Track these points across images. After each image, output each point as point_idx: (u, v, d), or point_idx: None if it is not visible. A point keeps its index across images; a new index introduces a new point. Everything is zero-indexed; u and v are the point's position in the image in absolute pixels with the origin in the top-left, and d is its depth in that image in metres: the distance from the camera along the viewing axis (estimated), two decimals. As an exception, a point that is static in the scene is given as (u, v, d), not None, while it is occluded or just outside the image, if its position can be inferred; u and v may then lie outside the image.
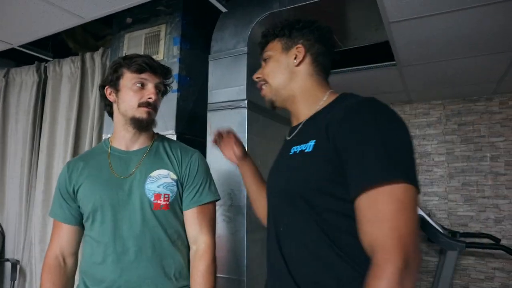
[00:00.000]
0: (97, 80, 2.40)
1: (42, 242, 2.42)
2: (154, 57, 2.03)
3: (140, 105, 1.19)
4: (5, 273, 2.66)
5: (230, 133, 1.30)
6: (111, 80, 1.24)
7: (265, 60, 1.08)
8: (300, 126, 1.01)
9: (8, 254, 2.67)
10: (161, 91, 1.27)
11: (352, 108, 0.87)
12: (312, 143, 0.90)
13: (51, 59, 2.73)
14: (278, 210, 1.00)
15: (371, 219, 0.75)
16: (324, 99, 1.01)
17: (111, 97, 1.25)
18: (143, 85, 1.21)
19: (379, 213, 0.74)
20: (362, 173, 0.77)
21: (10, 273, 2.53)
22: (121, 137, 1.25)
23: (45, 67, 2.71)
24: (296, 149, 0.95)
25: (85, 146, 2.38)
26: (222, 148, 1.31)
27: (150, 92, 1.20)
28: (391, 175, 0.74)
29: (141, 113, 1.19)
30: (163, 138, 1.33)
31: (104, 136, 2.14)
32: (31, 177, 2.64)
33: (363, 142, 0.79)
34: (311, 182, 0.88)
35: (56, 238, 1.26)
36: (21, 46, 2.40)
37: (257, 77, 1.09)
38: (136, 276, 1.13)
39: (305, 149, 0.92)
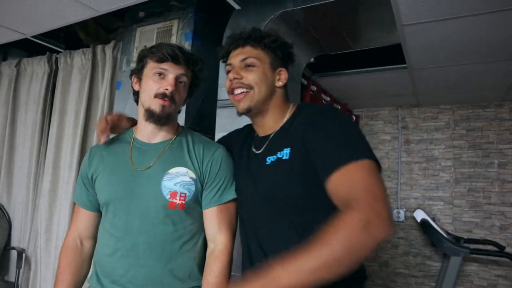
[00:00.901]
0: (108, 73, 2.41)
1: (48, 232, 2.45)
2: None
3: (156, 95, 1.15)
4: (10, 261, 2.68)
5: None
6: (137, 69, 1.23)
7: (247, 64, 1.09)
8: (270, 138, 1.11)
9: (14, 242, 2.69)
10: (185, 83, 1.20)
11: (313, 113, 1.02)
12: (287, 150, 1.01)
13: (62, 51, 2.75)
14: (257, 214, 1.09)
15: (346, 186, 0.85)
16: (289, 111, 1.13)
17: (136, 86, 1.24)
18: (163, 75, 1.16)
19: (352, 180, 0.85)
20: (332, 158, 0.90)
21: (16, 262, 2.56)
22: (143, 128, 1.23)
23: (57, 58, 2.73)
24: (272, 158, 1.04)
25: (93, 139, 2.40)
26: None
27: (168, 83, 1.15)
28: (356, 155, 0.87)
29: (155, 105, 1.15)
30: (187, 132, 1.28)
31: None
32: (39, 167, 2.66)
33: (328, 136, 0.94)
34: (295, 184, 0.98)
35: (74, 221, 1.29)
36: (33, 36, 2.42)
37: (237, 78, 1.09)
38: (143, 273, 1.12)
39: (282, 156, 1.01)
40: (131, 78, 1.26)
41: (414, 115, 3.75)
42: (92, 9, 1.92)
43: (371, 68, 2.75)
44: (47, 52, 2.76)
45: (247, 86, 1.08)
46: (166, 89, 1.15)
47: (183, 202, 1.15)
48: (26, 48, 3.10)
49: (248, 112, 1.10)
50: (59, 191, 2.47)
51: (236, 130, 1.34)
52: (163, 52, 1.15)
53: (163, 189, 1.14)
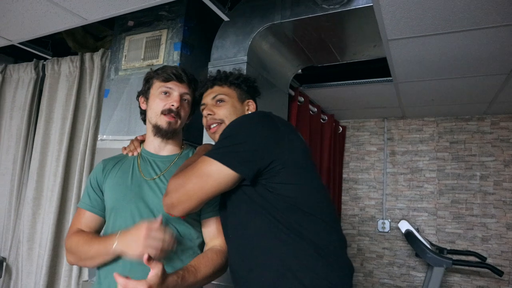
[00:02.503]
0: (96, 81, 2.40)
1: (30, 241, 2.40)
2: (153, 61, 2.07)
3: (162, 112, 1.26)
4: (-10, 270, 2.62)
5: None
6: (144, 90, 1.34)
7: (218, 100, 1.26)
8: None
9: (-5, 251, 2.64)
10: (188, 100, 1.32)
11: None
12: None
13: (50, 58, 2.73)
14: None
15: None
16: None
17: (143, 105, 1.34)
18: (168, 94, 1.28)
19: (190, 163, 1.11)
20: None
21: (-4, 271, 2.51)
22: (151, 142, 1.33)
23: (44, 65, 2.71)
24: None
25: (80, 146, 2.37)
26: None
27: (173, 100, 1.26)
28: (209, 154, 1.05)
29: (162, 121, 1.26)
30: (191, 149, 1.39)
31: (99, 137, 2.14)
32: (23, 174, 2.62)
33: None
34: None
35: (74, 221, 1.31)
36: (20, 43, 2.40)
37: (210, 114, 1.24)
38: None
39: None
40: (138, 99, 1.38)
41: (400, 127, 3.82)
42: (80, 18, 1.92)
43: (357, 80, 2.80)
44: (34, 59, 2.74)
45: (219, 120, 1.23)
46: (172, 105, 1.26)
47: None
48: (12, 54, 3.07)
49: None
50: (43, 199, 2.43)
51: None
52: (168, 73, 1.28)
53: None
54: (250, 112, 1.28)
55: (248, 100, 1.30)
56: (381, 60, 2.39)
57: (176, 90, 1.28)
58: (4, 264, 2.54)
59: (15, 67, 2.83)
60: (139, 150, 1.36)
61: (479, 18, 1.65)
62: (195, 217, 1.25)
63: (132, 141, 1.43)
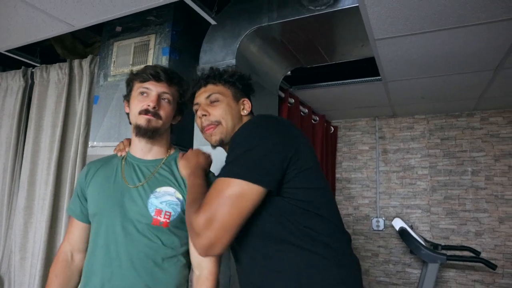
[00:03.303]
0: (85, 87, 2.39)
1: (22, 250, 2.38)
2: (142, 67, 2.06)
3: (140, 112, 1.23)
4: (-17, 281, 2.59)
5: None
6: (126, 93, 1.32)
7: (212, 100, 1.19)
8: None
9: (-13, 262, 2.61)
10: (169, 100, 1.27)
11: (234, 135, 1.09)
12: None
13: (38, 65, 2.71)
14: None
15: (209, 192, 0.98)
16: None
17: (127, 109, 1.32)
18: (146, 94, 1.25)
19: (211, 189, 0.97)
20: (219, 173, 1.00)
21: (-12, 282, 2.48)
22: (135, 145, 1.31)
23: (32, 73, 2.69)
24: None
25: (71, 154, 2.36)
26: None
27: (149, 100, 1.23)
28: (227, 173, 0.96)
29: (141, 120, 1.22)
30: (178, 151, 1.35)
31: (90, 144, 2.13)
32: (14, 183, 2.60)
33: (227, 156, 1.02)
34: None
35: (68, 234, 1.34)
36: (7, 51, 2.39)
37: (205, 114, 1.18)
38: (123, 285, 1.14)
39: None
40: (124, 103, 1.35)
41: (391, 125, 3.84)
42: (68, 24, 1.91)
43: (347, 80, 2.82)
44: (23, 66, 2.72)
45: (215, 122, 1.17)
46: (148, 105, 1.22)
47: (167, 220, 1.19)
48: (0, 62, 3.05)
49: (221, 143, 1.18)
50: (34, 208, 2.41)
51: None
52: (146, 72, 1.25)
53: (149, 206, 1.19)
54: (247, 112, 1.23)
55: (243, 99, 1.24)
56: (370, 60, 2.41)
57: (154, 90, 1.25)
58: (-3, 274, 2.52)
59: (3, 75, 2.81)
60: (127, 149, 1.34)
61: (464, 16, 1.68)
62: (178, 225, 1.21)
63: (122, 141, 1.41)
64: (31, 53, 2.71)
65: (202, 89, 1.22)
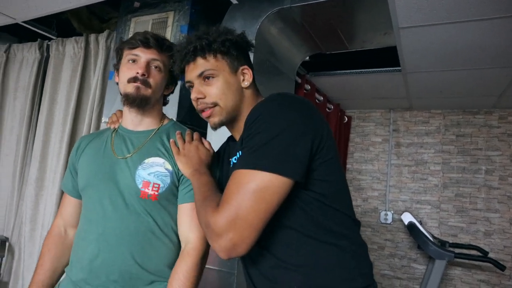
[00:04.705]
0: (100, 62, 2.37)
1: (33, 221, 2.41)
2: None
3: (129, 80, 1.15)
4: (-7, 249, 2.64)
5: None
6: (116, 62, 1.24)
7: (206, 76, 1.02)
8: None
9: (-2, 230, 2.65)
10: (160, 67, 1.19)
11: (251, 113, 0.93)
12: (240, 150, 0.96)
13: (54, 38, 2.70)
14: None
15: (228, 186, 0.86)
16: None
17: (116, 79, 1.24)
18: (135, 61, 1.17)
19: (231, 183, 0.85)
20: (239, 163, 0.88)
21: (-1, 250, 2.52)
22: (126, 117, 1.25)
23: (48, 45, 2.68)
24: (234, 160, 1.01)
25: (84, 128, 2.36)
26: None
27: (138, 67, 1.15)
28: (251, 165, 0.84)
29: (129, 88, 1.15)
30: (173, 124, 1.27)
31: (103, 119, 2.12)
32: (26, 154, 2.62)
33: (246, 142, 0.88)
34: None
35: (61, 208, 1.32)
36: (24, 22, 2.37)
37: (200, 98, 1.03)
38: (112, 260, 1.10)
39: (238, 156, 0.98)
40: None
41: (406, 119, 3.78)
42: (86, -3, 1.89)
43: (365, 70, 2.76)
44: (38, 39, 2.71)
45: (211, 104, 1.02)
46: (137, 73, 1.14)
47: (156, 193, 1.12)
48: (16, 33, 3.04)
49: (221, 125, 1.06)
50: (46, 180, 2.43)
51: (221, 145, 1.29)
52: (136, 39, 1.17)
53: (136, 178, 1.13)
54: (248, 83, 1.06)
55: (242, 67, 1.05)
56: (388, 49, 2.35)
57: (143, 56, 1.16)
58: (7, 244, 2.55)
59: (19, 47, 2.80)
60: (121, 120, 1.28)
61: (493, 8, 1.61)
62: (169, 197, 1.15)
63: (115, 113, 1.34)
64: (48, 25, 2.70)
65: (192, 65, 1.05)
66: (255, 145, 0.85)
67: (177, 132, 1.22)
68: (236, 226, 0.81)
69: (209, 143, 1.20)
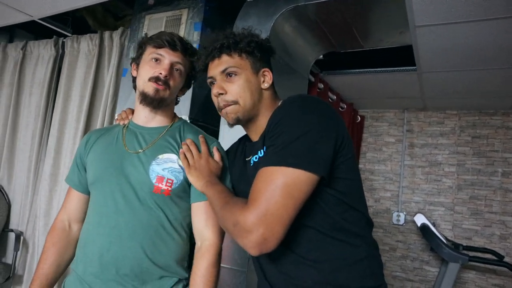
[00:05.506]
0: (114, 59, 2.39)
1: (46, 216, 2.44)
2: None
3: (150, 79, 1.16)
4: (8, 243, 2.68)
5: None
6: (136, 56, 1.25)
7: (228, 73, 1.05)
8: (258, 140, 1.07)
9: (13, 225, 2.69)
10: (181, 71, 1.21)
11: (275, 113, 0.96)
12: (263, 149, 0.99)
13: (69, 35, 2.73)
14: None
15: (255, 183, 0.89)
16: None
17: (134, 72, 1.25)
18: (158, 61, 1.18)
19: (259, 180, 0.88)
20: (264, 160, 0.91)
21: (14, 244, 2.56)
22: (138, 113, 1.25)
23: (63, 42, 2.71)
24: (254, 158, 1.04)
25: (97, 124, 2.38)
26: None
27: (162, 68, 1.16)
28: (280, 161, 0.86)
29: (149, 88, 1.16)
30: (184, 123, 1.30)
31: (116, 116, 2.13)
32: (41, 150, 2.65)
33: (273, 141, 0.90)
34: None
35: (65, 203, 1.31)
36: (40, 19, 2.40)
37: (221, 93, 1.05)
38: (123, 255, 1.10)
39: (260, 155, 1.01)
40: (131, 66, 1.28)
41: (420, 119, 3.72)
42: (101, -6, 1.90)
43: (380, 69, 2.72)
44: (54, 36, 2.74)
45: (231, 102, 1.05)
46: (160, 73, 1.16)
47: (169, 188, 1.14)
48: (33, 30, 3.09)
49: (238, 122, 1.09)
50: (60, 175, 2.46)
51: (232, 145, 1.31)
52: (162, 39, 1.18)
53: (150, 173, 1.14)
54: (268, 85, 1.09)
55: (263, 69, 1.09)
56: (403, 48, 2.31)
57: (167, 57, 1.17)
58: (22, 238, 2.60)
59: (36, 44, 2.84)
60: (131, 117, 1.29)
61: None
62: (180, 194, 1.17)
63: (124, 110, 1.36)
64: (63, 22, 2.73)
65: (216, 61, 1.08)
66: (281, 143, 0.87)
67: (184, 143, 1.19)
68: (267, 222, 0.82)
69: (220, 155, 1.21)
